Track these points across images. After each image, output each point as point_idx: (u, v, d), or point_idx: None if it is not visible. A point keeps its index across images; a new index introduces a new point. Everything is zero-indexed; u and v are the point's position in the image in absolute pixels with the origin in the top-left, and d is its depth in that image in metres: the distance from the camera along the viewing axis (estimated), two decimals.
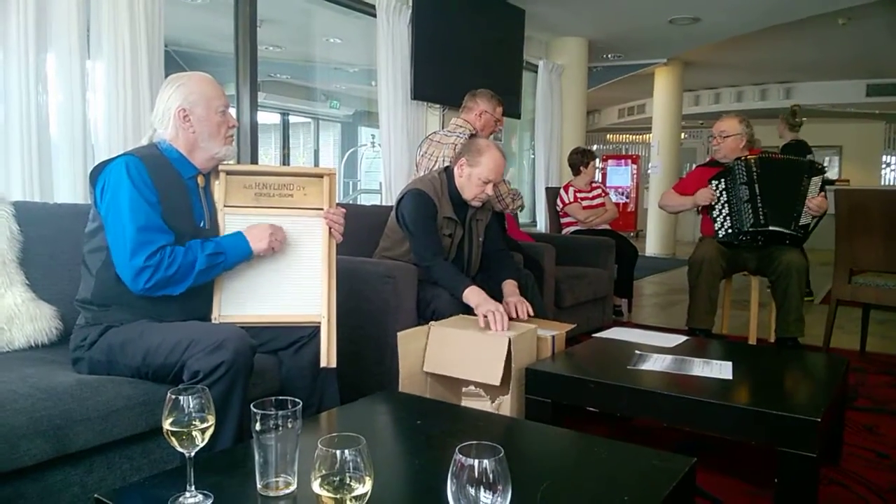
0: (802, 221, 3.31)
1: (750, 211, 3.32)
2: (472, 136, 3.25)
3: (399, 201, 2.76)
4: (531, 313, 2.54)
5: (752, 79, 10.74)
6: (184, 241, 1.79)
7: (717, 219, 3.43)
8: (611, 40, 7.04)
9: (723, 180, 3.40)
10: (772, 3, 5.77)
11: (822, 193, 3.31)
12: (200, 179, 1.93)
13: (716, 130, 3.56)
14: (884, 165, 13.46)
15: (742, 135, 3.50)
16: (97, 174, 1.79)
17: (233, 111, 1.97)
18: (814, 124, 13.29)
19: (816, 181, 3.31)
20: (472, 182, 2.67)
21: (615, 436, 1.73)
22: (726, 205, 3.39)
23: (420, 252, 2.63)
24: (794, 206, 3.29)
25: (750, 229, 3.32)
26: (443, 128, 4.08)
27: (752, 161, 3.35)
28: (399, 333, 2.17)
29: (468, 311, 2.46)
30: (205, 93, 1.88)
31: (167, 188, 1.81)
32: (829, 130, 13.42)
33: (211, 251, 1.80)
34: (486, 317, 2.26)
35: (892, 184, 13.29)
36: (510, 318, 2.55)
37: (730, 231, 3.38)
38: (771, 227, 3.28)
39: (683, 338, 2.50)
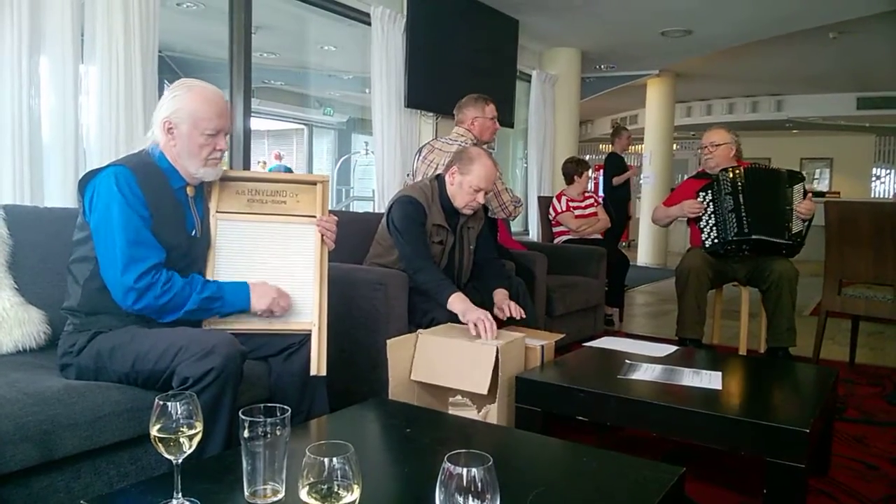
0: (795, 229, 3.34)
1: (734, 220, 3.35)
2: (474, 144, 3.26)
3: (389, 208, 2.76)
4: (524, 316, 2.55)
5: (743, 91, 10.81)
6: (175, 253, 1.78)
7: (704, 229, 3.47)
8: (604, 51, 7.08)
9: (709, 191, 3.44)
10: (763, 16, 5.82)
11: (809, 196, 3.37)
12: (190, 189, 1.91)
13: (706, 141, 3.60)
14: (874, 178, 13.58)
15: (732, 144, 3.55)
16: (85, 184, 1.77)
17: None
18: (805, 137, 13.44)
19: (798, 188, 3.38)
20: (463, 190, 2.68)
21: (604, 445, 1.73)
22: (713, 215, 3.43)
23: (408, 258, 2.63)
24: (783, 215, 3.33)
25: (734, 238, 3.35)
26: (436, 135, 4.09)
27: (737, 172, 3.39)
28: (389, 341, 2.16)
29: None
30: (195, 112, 1.81)
31: (157, 199, 1.78)
32: (819, 143, 13.54)
33: (209, 294, 1.79)
34: (475, 325, 2.26)
35: (881, 196, 13.40)
36: (503, 323, 2.56)
37: (715, 240, 3.42)
38: (754, 236, 3.31)
39: (673, 348, 2.51)
